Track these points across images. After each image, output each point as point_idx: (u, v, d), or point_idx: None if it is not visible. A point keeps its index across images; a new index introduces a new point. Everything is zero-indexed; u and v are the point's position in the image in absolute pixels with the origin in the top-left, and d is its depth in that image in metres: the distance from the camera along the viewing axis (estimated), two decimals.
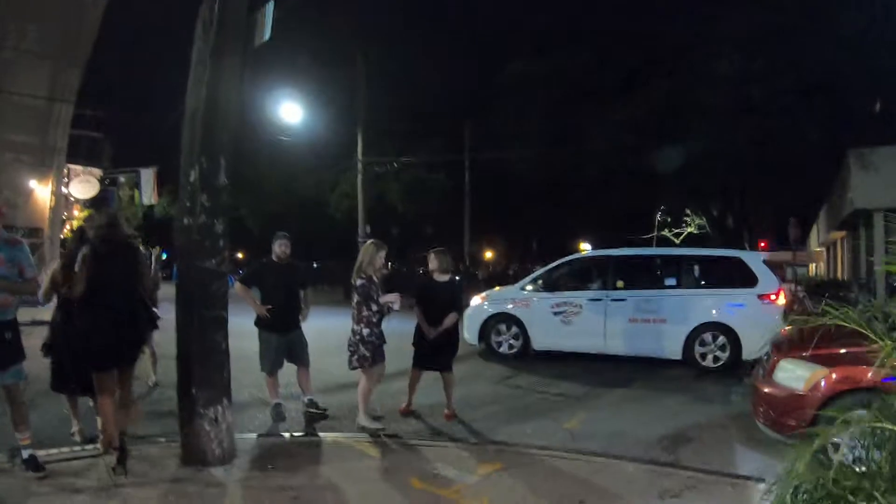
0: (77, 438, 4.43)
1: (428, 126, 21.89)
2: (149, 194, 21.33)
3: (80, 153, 21.85)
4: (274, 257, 5.28)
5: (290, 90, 17.66)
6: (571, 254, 10.74)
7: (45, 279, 4.14)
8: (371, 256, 4.86)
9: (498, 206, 27.68)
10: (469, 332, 8.72)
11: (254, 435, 4.72)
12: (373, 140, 20.91)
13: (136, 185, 22.53)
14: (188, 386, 3.92)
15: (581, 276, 9.33)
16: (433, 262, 5.48)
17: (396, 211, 25.12)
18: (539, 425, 5.30)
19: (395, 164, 22.29)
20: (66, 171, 19.99)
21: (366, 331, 4.76)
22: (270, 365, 5.14)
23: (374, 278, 4.89)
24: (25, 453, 3.63)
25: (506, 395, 6.66)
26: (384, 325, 4.95)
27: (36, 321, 5.54)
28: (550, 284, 8.89)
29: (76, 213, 21.81)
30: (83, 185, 20.53)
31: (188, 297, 4.05)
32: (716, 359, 7.72)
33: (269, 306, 5.05)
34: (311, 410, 5.06)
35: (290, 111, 17.51)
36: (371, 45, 20.43)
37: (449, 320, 5.29)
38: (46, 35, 16.57)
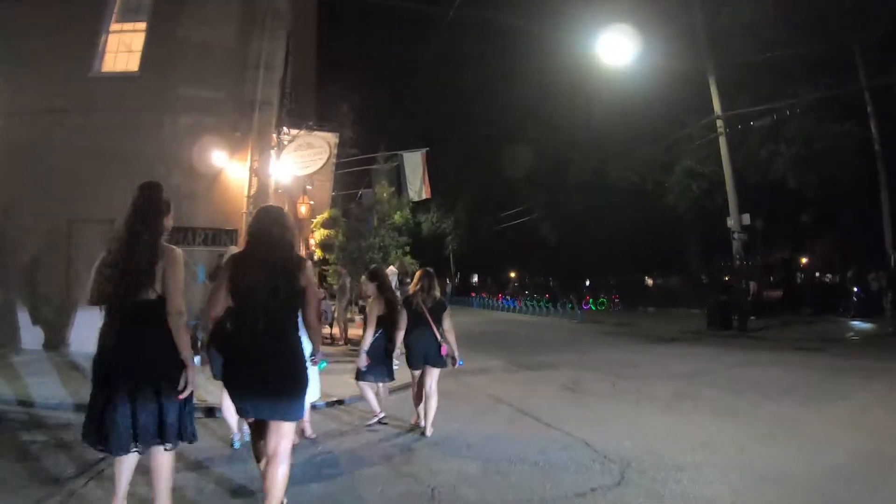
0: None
1: (805, 60, 14.79)
2: (417, 187, 15.25)
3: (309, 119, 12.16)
4: None
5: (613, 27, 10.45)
6: None
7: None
8: None
9: None
10: None
11: None
12: (723, 91, 15.07)
13: (399, 173, 16.01)
14: None
15: None
16: None
17: (784, 186, 16.70)
18: None
19: (787, 112, 14.65)
20: (275, 137, 10.45)
21: None
22: None
23: None
24: None
25: None
26: None
27: None
28: None
29: (302, 209, 13.05)
30: (303, 155, 10.87)
31: None
32: None
33: None
34: None
35: (613, 49, 10.36)
36: None
37: None
38: None
